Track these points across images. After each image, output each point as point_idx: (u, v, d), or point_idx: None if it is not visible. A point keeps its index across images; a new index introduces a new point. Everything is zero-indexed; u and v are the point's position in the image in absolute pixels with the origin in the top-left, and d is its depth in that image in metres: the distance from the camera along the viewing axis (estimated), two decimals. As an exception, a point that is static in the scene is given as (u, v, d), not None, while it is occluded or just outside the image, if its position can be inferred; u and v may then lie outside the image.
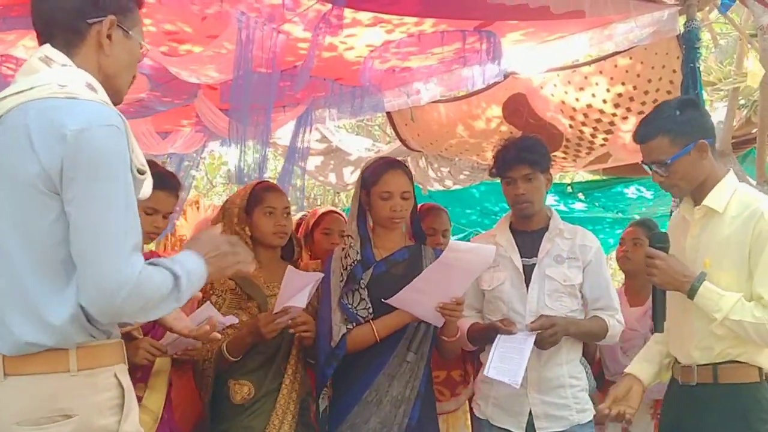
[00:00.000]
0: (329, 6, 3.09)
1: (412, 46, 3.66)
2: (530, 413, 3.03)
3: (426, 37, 3.59)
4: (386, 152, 6.57)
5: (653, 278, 2.50)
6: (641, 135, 2.57)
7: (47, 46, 1.89)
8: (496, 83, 4.58)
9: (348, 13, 3.23)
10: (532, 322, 2.98)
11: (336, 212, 4.15)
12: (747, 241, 2.43)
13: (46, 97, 1.78)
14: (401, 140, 5.76)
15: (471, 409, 3.60)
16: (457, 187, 6.61)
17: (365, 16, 3.38)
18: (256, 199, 3.11)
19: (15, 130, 1.77)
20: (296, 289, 2.84)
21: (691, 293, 2.43)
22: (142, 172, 1.86)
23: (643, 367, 2.67)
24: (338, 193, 11.61)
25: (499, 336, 2.98)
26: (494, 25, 3.56)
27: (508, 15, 3.44)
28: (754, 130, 5.93)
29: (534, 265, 3.09)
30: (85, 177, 1.73)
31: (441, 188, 6.49)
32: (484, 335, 3.09)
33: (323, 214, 4.08)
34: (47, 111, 1.76)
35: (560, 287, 3.06)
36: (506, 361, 2.89)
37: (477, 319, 3.21)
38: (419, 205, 4.05)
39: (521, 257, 3.11)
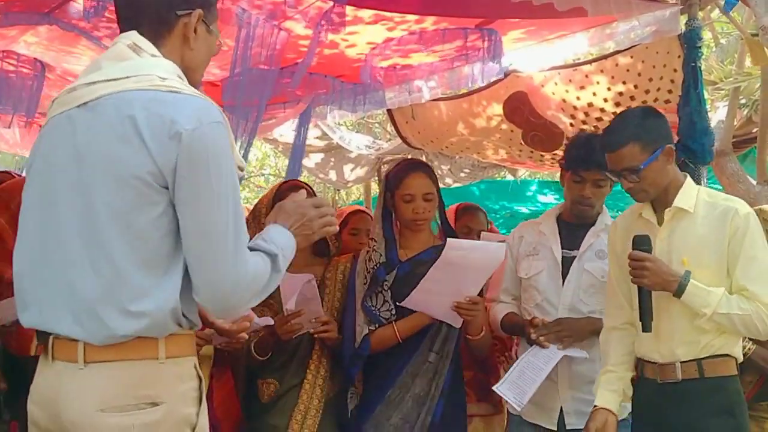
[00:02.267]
0: (331, 3, 3.10)
1: (413, 43, 3.66)
2: (561, 409, 3.04)
3: (427, 34, 3.59)
4: (387, 150, 6.58)
5: (643, 280, 2.54)
6: (610, 143, 2.62)
7: (134, 33, 1.86)
8: (496, 81, 4.59)
9: (349, 11, 3.23)
10: (545, 332, 2.98)
11: (364, 212, 4.12)
12: (725, 237, 2.53)
13: (148, 89, 1.76)
14: (402, 138, 5.76)
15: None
16: (458, 185, 6.63)
17: (367, 14, 3.38)
18: (279, 198, 3.09)
19: (118, 120, 1.74)
20: (291, 292, 2.86)
21: (679, 291, 2.50)
22: (241, 169, 1.88)
23: (611, 398, 2.72)
24: (338, 190, 11.62)
25: (530, 348, 3.00)
26: (495, 23, 3.57)
27: (510, 13, 3.44)
28: (755, 130, 5.94)
29: (574, 257, 3.09)
30: (199, 176, 1.73)
31: (441, 186, 6.48)
32: (516, 329, 3.13)
33: (350, 213, 4.05)
34: (154, 104, 1.74)
35: (597, 283, 3.04)
36: (522, 379, 2.92)
37: (514, 306, 3.22)
38: (457, 204, 4.06)
39: (562, 249, 3.11)
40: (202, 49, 1.95)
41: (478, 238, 3.80)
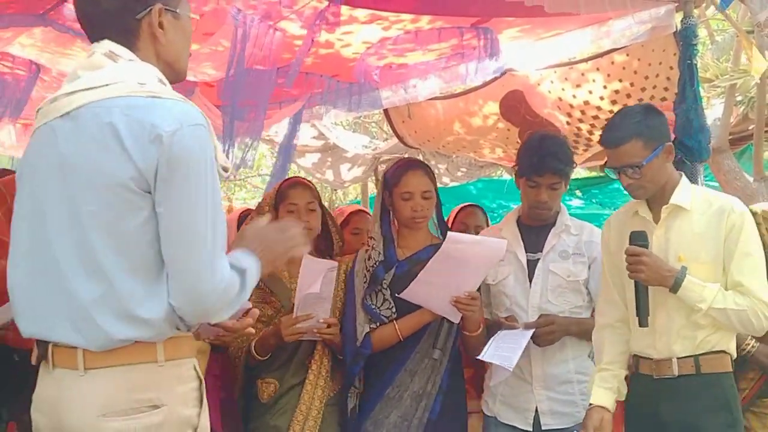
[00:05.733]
0: (326, 3, 3.09)
1: (409, 42, 3.66)
2: (537, 410, 3.03)
3: (423, 33, 3.59)
4: (383, 149, 6.57)
5: (640, 275, 2.56)
6: (613, 139, 2.62)
7: (108, 41, 1.85)
8: (493, 80, 4.59)
9: (345, 11, 3.23)
10: (528, 322, 2.99)
11: (365, 211, 4.14)
12: (721, 234, 2.55)
13: (127, 95, 1.76)
14: (398, 137, 5.76)
15: None
16: (455, 184, 6.62)
17: (362, 14, 3.37)
18: (281, 196, 3.13)
19: (98, 128, 1.74)
20: (313, 277, 2.82)
21: (675, 287, 2.51)
22: (225, 170, 1.86)
23: (607, 396, 2.72)
24: (335, 190, 11.61)
25: (498, 332, 3.00)
26: (491, 21, 3.56)
27: (505, 12, 3.43)
28: (751, 127, 5.95)
29: (538, 260, 3.09)
30: (179, 178, 1.72)
31: (438, 185, 6.48)
32: (489, 332, 3.09)
33: (351, 213, 4.07)
34: (134, 110, 1.74)
35: (564, 283, 3.05)
36: (502, 349, 2.90)
37: (485, 313, 3.22)
38: (460, 205, 4.06)
39: (526, 252, 3.11)
40: (176, 38, 1.92)
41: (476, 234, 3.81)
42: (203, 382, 1.88)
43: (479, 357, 2.95)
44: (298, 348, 3.03)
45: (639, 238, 2.59)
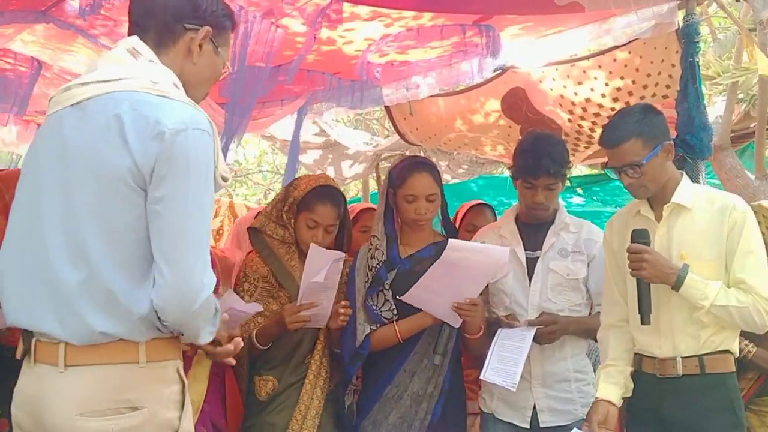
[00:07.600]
0: (328, 0, 3.09)
1: (410, 39, 3.65)
2: (534, 407, 3.04)
3: (425, 30, 3.58)
4: (385, 146, 6.57)
5: (642, 272, 2.56)
6: (612, 139, 2.63)
7: (135, 38, 1.88)
8: (494, 77, 4.59)
9: (347, 8, 3.23)
10: (530, 319, 2.99)
11: (374, 209, 4.09)
12: (723, 232, 2.56)
13: (138, 91, 1.77)
14: (400, 134, 5.76)
15: None
16: (456, 181, 6.63)
17: (364, 11, 3.37)
18: (306, 204, 3.04)
19: (104, 119, 1.75)
20: (319, 266, 2.82)
21: (678, 284, 2.52)
22: (225, 179, 1.86)
23: (612, 391, 2.72)
24: (336, 187, 11.60)
25: (499, 331, 2.98)
26: (493, 19, 3.56)
27: (507, 9, 3.43)
28: (753, 125, 5.93)
29: (538, 258, 3.08)
30: (178, 177, 1.72)
31: (439, 182, 6.49)
32: (488, 329, 3.09)
33: (361, 211, 4.02)
34: (142, 106, 1.75)
35: (563, 281, 3.05)
36: (505, 362, 2.89)
37: (485, 311, 3.22)
38: (468, 203, 4.03)
39: (525, 250, 3.10)
40: (205, 67, 1.96)
41: None
42: (186, 385, 1.87)
43: (480, 377, 2.95)
44: (298, 346, 3.03)
45: (641, 236, 2.60)
